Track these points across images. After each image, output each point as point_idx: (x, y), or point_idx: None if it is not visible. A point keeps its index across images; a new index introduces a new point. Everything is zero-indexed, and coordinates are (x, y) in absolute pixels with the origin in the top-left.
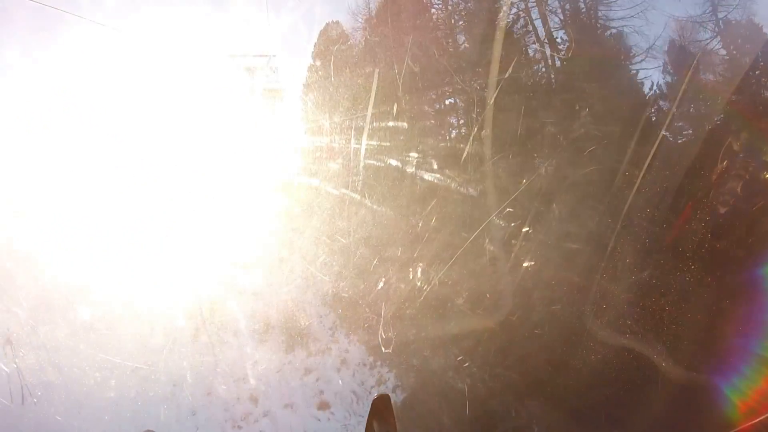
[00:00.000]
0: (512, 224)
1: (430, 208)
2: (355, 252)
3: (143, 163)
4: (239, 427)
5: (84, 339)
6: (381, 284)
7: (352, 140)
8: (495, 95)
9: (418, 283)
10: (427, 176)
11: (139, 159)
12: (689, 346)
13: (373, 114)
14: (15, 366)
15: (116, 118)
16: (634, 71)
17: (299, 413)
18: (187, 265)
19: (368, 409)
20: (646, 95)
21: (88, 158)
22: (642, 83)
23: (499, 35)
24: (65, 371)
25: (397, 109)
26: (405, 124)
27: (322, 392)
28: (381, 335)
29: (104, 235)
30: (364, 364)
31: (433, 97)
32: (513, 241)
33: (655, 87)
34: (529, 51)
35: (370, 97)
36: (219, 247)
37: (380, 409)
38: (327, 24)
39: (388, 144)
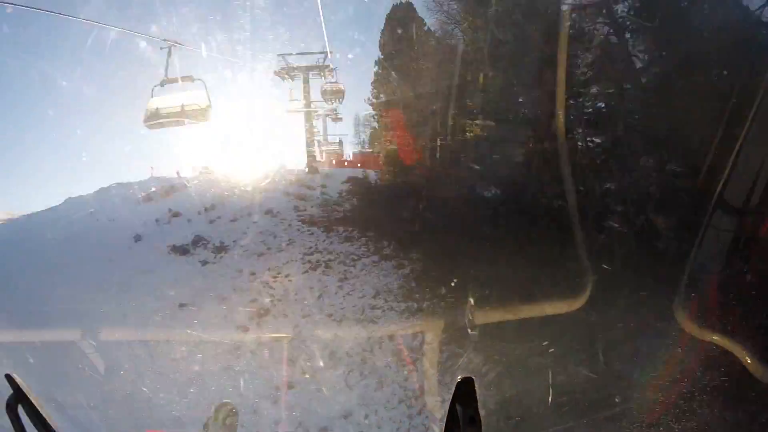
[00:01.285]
0: (600, 204)
1: (520, 186)
2: (440, 231)
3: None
4: (324, 398)
5: (171, 315)
6: (468, 264)
7: (440, 115)
8: (588, 66)
9: (507, 264)
10: (518, 152)
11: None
12: None
13: (457, 87)
14: (102, 339)
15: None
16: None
17: (383, 392)
18: (278, 241)
19: (452, 392)
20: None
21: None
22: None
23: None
24: (151, 345)
25: (483, 82)
26: (492, 98)
27: (406, 373)
28: (468, 317)
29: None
30: (450, 346)
31: (522, 68)
32: (601, 223)
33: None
34: (620, 20)
35: (454, 71)
36: (309, 229)
37: (464, 391)
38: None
39: (476, 119)
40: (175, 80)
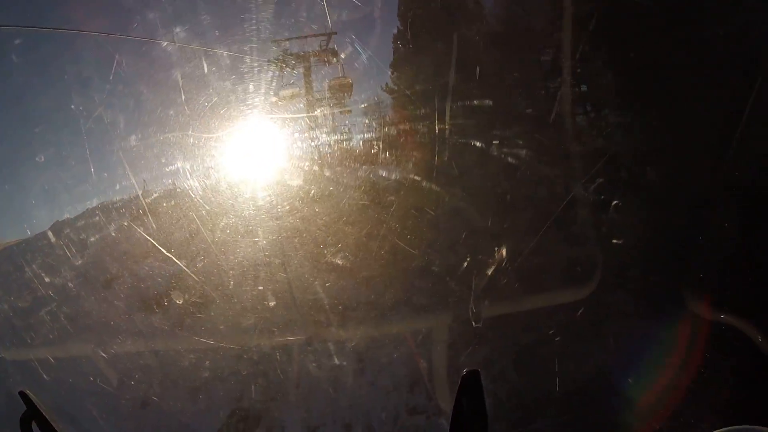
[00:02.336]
0: (604, 190)
1: (519, 174)
2: (444, 224)
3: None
4: (332, 401)
5: (178, 323)
6: (471, 257)
7: (434, 110)
8: (579, 53)
9: (509, 255)
10: (515, 142)
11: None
12: None
13: (454, 81)
14: (113, 352)
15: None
16: None
17: (388, 389)
18: (277, 244)
19: (457, 385)
20: None
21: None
22: None
23: None
24: (161, 354)
25: (480, 73)
26: (488, 89)
27: (411, 367)
28: (471, 309)
29: (193, 220)
30: (454, 339)
31: (516, 58)
32: (605, 209)
33: None
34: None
35: (450, 63)
36: (307, 226)
37: (470, 384)
38: None
39: (471, 111)
40: None
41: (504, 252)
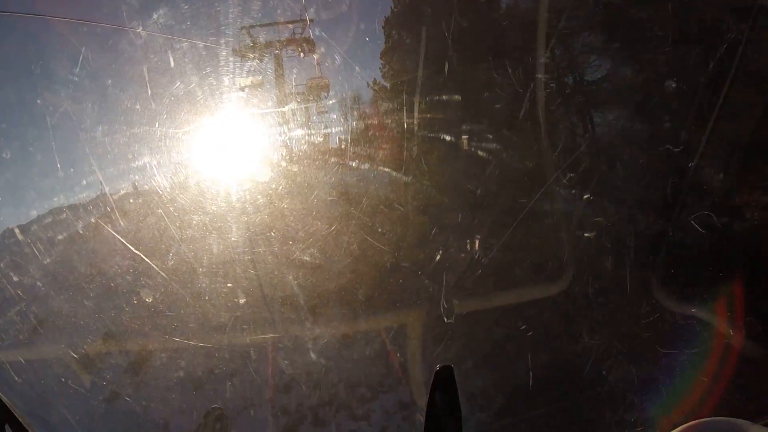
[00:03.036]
0: (574, 187)
1: (488, 172)
2: (413, 220)
3: (187, 150)
4: (304, 400)
5: (149, 322)
6: (441, 253)
7: (404, 106)
8: (548, 50)
9: (480, 251)
10: (483, 139)
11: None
12: None
13: (422, 77)
14: (83, 352)
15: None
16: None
17: (361, 385)
18: (246, 241)
19: (431, 381)
20: None
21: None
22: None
23: None
24: (132, 354)
25: (448, 69)
26: (457, 85)
27: (383, 364)
28: (443, 305)
29: (161, 217)
30: (426, 335)
31: (486, 55)
32: (574, 206)
33: None
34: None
35: (418, 59)
36: (277, 222)
37: (443, 380)
38: None
39: (440, 107)
40: None
41: (475, 247)
